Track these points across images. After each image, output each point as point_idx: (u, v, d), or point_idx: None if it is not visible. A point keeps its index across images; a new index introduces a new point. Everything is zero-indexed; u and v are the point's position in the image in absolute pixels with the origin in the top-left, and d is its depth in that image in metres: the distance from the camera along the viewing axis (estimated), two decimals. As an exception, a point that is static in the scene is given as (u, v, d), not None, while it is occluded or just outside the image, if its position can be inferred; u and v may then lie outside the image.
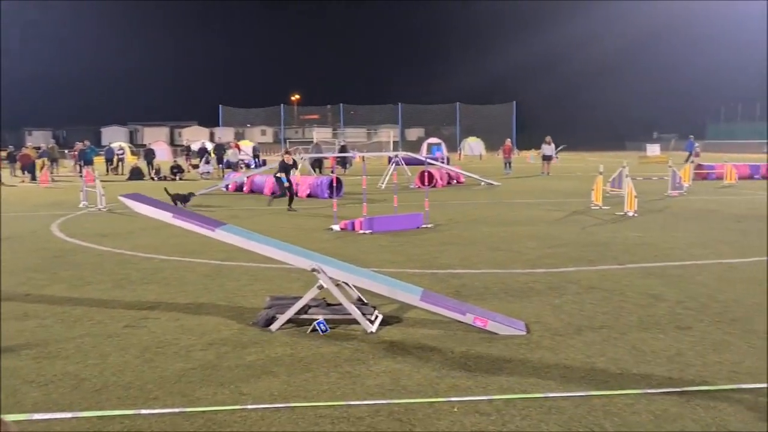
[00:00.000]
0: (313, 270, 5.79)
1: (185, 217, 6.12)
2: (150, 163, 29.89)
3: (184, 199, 16.11)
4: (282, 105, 66.12)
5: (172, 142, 69.81)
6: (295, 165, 16.42)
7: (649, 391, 4.32)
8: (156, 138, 64.86)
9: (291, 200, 15.41)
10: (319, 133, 50.14)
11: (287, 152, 17.58)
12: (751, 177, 24.34)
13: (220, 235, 6.02)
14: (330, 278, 5.73)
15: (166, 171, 28.55)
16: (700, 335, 5.49)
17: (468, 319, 5.62)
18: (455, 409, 4.08)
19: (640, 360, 4.92)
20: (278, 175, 15.58)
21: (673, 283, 7.40)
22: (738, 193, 18.69)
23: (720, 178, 22.75)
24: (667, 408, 4.06)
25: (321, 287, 5.70)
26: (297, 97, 78.87)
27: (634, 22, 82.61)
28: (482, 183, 22.89)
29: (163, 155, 45.62)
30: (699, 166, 25.23)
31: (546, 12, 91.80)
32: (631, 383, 4.45)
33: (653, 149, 45.65)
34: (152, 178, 28.10)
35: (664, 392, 4.30)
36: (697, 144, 35.62)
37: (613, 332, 5.62)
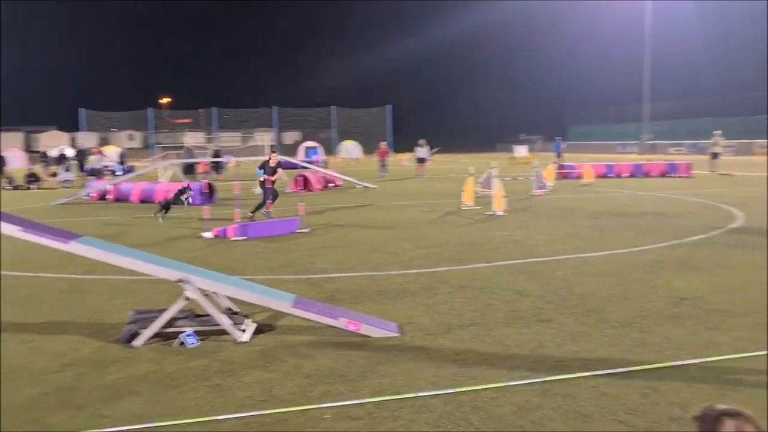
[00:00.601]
0: (179, 281, 5.56)
1: (35, 230, 5.67)
2: (0, 171, 27.64)
3: (166, 205, 14.57)
4: (150, 109, 63.45)
5: (27, 149, 64.86)
6: (280, 165, 15.23)
7: (512, 383, 4.50)
8: (10, 144, 60.08)
9: (272, 202, 14.45)
10: (192, 138, 48.51)
11: (273, 152, 15.87)
12: (605, 175, 26.20)
13: (75, 248, 5.63)
14: (198, 289, 5.52)
15: (20, 180, 26.50)
16: (560, 327, 5.81)
17: (341, 323, 5.61)
18: (327, 416, 4.05)
19: (505, 354, 5.13)
20: (262, 179, 14.51)
21: (536, 278, 7.79)
22: (595, 191, 20.03)
23: (580, 177, 24.29)
24: (529, 399, 4.25)
25: (188, 298, 5.49)
26: (167, 100, 75.98)
27: (504, 29, 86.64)
28: (359, 186, 23.09)
29: (18, 162, 42.34)
30: (561, 166, 26.82)
31: (419, 15, 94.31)
32: (496, 377, 4.62)
33: (521, 150, 47.93)
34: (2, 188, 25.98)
35: (526, 383, 4.50)
36: (563, 144, 37.80)
37: (481, 329, 5.82)
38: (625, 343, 5.33)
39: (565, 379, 4.55)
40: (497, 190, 14.37)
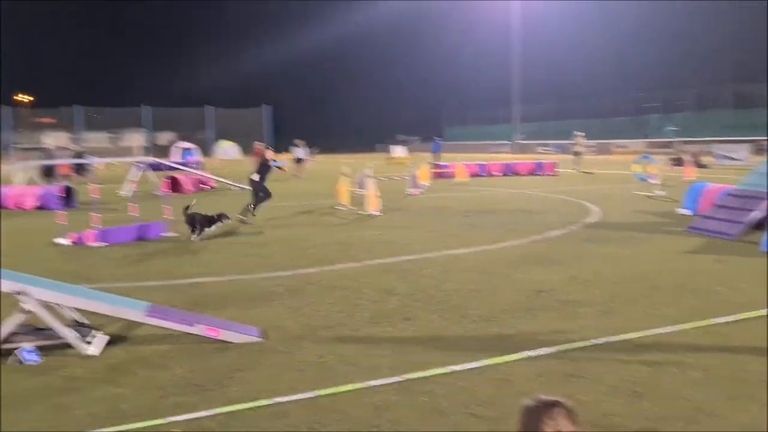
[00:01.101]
0: (18, 293, 5.11)
1: None
2: None
3: (209, 222, 11.28)
4: (4, 106, 58.83)
5: None
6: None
7: (372, 383, 4.49)
8: None
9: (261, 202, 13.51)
10: (53, 138, 45.40)
11: (266, 147, 14.86)
12: (478, 175, 27.17)
13: None
14: (38, 300, 5.10)
15: None
16: (424, 324, 5.89)
17: (199, 330, 5.39)
18: (176, 431, 3.84)
19: (368, 354, 5.12)
20: (254, 177, 13.59)
21: (405, 277, 7.88)
22: (468, 190, 20.69)
23: (454, 176, 25.01)
24: (387, 397, 4.25)
25: (26, 312, 5.05)
26: (28, 98, 70.67)
27: (383, 31, 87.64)
28: (234, 188, 22.51)
29: None
30: (436, 166, 27.50)
31: (299, 16, 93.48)
32: (357, 377, 4.59)
33: (400, 151, 48.71)
34: None
35: (386, 383, 4.50)
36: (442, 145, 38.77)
37: (346, 329, 5.79)
38: (483, 337, 5.48)
39: (423, 376, 4.60)
40: (371, 190, 14.47)
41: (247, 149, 54.40)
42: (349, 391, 4.37)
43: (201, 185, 22.46)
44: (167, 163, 24.41)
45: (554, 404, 2.12)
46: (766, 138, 36.12)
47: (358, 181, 16.72)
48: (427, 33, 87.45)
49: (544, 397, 2.19)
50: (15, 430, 3.91)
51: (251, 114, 65.33)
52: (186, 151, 42.63)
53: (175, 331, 5.49)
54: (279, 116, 67.95)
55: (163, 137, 60.19)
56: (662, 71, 60.13)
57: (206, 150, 53.00)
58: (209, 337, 5.40)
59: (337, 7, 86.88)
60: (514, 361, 4.88)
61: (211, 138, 62.32)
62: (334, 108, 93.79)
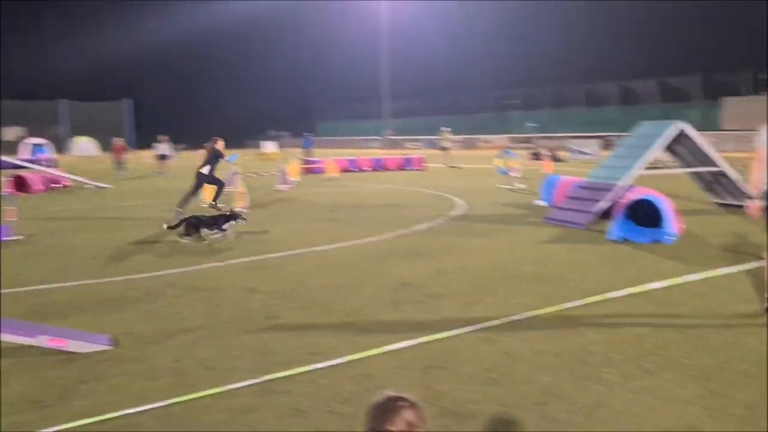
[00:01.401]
0: None
1: None
2: None
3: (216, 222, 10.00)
4: None
5: None
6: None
7: (230, 387, 4.32)
8: None
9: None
10: None
11: (216, 139, 13.99)
12: (348, 170, 27.29)
13: None
14: None
15: None
16: (287, 323, 5.78)
17: (41, 341, 4.95)
18: (8, 453, 3.49)
19: (228, 356, 4.94)
20: (203, 170, 13.20)
21: (270, 274, 7.72)
22: (338, 185, 20.71)
23: (324, 171, 24.94)
24: (246, 401, 4.11)
25: None
26: None
27: (251, 25, 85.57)
28: (90, 186, 21.17)
29: None
30: (307, 161, 27.34)
31: (161, 8, 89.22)
32: (215, 382, 4.40)
33: (270, 146, 48.00)
34: None
35: (245, 385, 4.34)
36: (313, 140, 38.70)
37: (205, 332, 5.55)
38: (347, 333, 5.45)
39: (284, 376, 4.49)
40: (238, 186, 14.09)
41: (105, 145, 51.49)
42: (205, 396, 4.18)
43: (52, 184, 20.90)
44: (12, 161, 22.54)
45: (399, 400, 2.10)
46: (613, 134, 39.08)
47: (225, 178, 16.22)
48: (297, 27, 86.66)
49: (391, 393, 2.17)
50: None
51: (110, 108, 61.79)
52: (36, 147, 39.51)
53: (13, 344, 5.02)
54: (141, 111, 64.73)
55: (11, 132, 55.62)
56: (522, 71, 63.35)
57: (60, 146, 49.48)
58: (54, 349, 4.98)
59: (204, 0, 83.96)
60: (376, 355, 4.88)
61: (66, 133, 58.28)
62: (200, 102, 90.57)
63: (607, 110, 49.27)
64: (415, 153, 36.18)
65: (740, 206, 12.36)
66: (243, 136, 74.22)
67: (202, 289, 7.05)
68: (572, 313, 5.91)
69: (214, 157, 13.59)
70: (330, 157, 26.03)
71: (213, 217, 10.19)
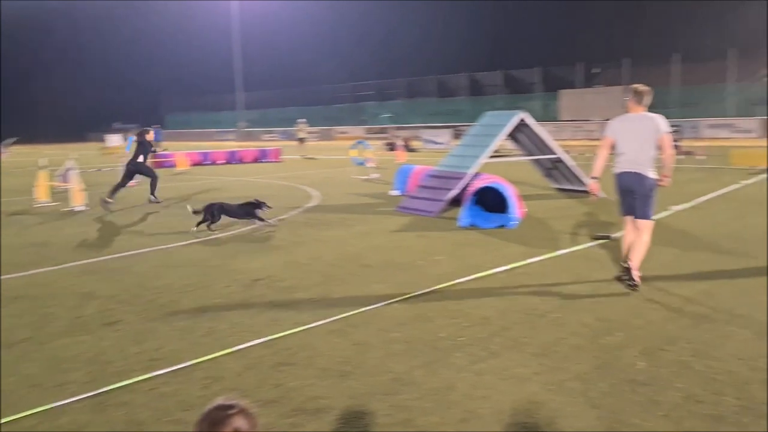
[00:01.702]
0: None
1: None
2: None
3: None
4: None
5: None
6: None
7: (60, 403, 3.94)
8: None
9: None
10: None
11: (147, 130, 14.29)
12: (202, 163, 26.32)
13: None
14: None
15: None
16: (127, 328, 5.39)
17: None
18: None
19: (58, 370, 4.51)
20: (139, 159, 13.50)
21: (110, 277, 7.19)
22: (189, 179, 19.86)
23: (175, 165, 23.83)
24: (77, 418, 3.76)
25: None
26: None
27: (93, 14, 79.60)
28: None
29: None
30: (155, 155, 25.95)
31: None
32: (43, 400, 3.99)
33: (115, 140, 45.16)
34: None
35: (77, 400, 3.98)
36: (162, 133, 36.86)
37: (33, 344, 5.05)
38: (193, 335, 5.18)
39: (121, 386, 4.17)
40: (75, 183, 13.07)
41: None
42: (30, 416, 3.78)
43: None
44: None
45: (229, 408, 1.98)
46: (462, 124, 40.70)
47: (61, 175, 15.00)
48: (144, 15, 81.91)
49: (222, 401, 2.04)
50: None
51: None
52: None
53: None
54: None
55: None
56: (375, 62, 64.36)
57: None
58: None
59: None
60: (224, 356, 4.67)
61: None
62: (35, 93, 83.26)
63: (457, 101, 51.26)
64: (271, 145, 35.60)
65: (577, 191, 13.32)
66: (86, 128, 69.54)
67: (30, 296, 6.42)
68: (423, 300, 6.01)
69: (144, 148, 13.85)
70: (180, 150, 24.87)
71: (240, 206, 10.22)
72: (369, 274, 7.03)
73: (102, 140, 45.94)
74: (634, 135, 6.16)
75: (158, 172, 20.08)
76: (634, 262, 6.15)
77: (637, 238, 6.20)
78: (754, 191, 13.34)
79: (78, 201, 12.92)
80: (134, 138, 14.17)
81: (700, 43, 41.37)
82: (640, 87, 6.25)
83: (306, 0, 69.83)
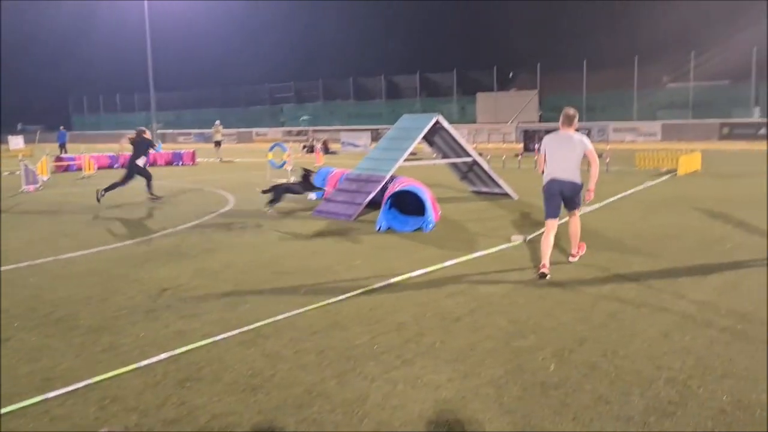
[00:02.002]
0: None
1: None
2: None
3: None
4: None
5: None
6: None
7: (-66, 434, 3.57)
8: None
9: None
10: None
11: (143, 130, 14.50)
12: (110, 166, 25.21)
13: None
14: None
15: None
16: (17, 346, 4.99)
17: None
18: None
19: (-65, 396, 4.11)
20: (139, 162, 13.82)
21: (3, 289, 6.68)
22: (95, 184, 18.90)
23: (80, 168, 22.73)
24: (-47, 450, 3.42)
25: None
26: None
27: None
28: None
29: None
30: (59, 159, 24.76)
31: None
32: None
33: (17, 142, 42.75)
34: None
35: (-45, 430, 3.63)
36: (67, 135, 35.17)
37: None
38: (92, 351, 4.85)
39: (9, 411, 3.83)
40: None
41: None
42: None
43: None
44: None
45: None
46: (381, 126, 40.86)
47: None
48: (49, 13, 77.85)
49: (105, 428, 1.86)
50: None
51: None
52: None
53: None
54: None
55: None
56: (293, 63, 63.71)
57: None
58: None
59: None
60: (125, 373, 4.39)
61: None
62: None
63: (376, 104, 51.42)
64: (185, 147, 34.56)
65: (492, 193, 13.54)
66: (-18, 129, 65.50)
67: None
68: (336, 307, 5.88)
69: (145, 147, 14.07)
70: (86, 153, 23.68)
71: (299, 184, 12.42)
72: (283, 282, 6.84)
73: (5, 142, 43.42)
74: (564, 150, 7.19)
75: (61, 177, 19.19)
76: (577, 241, 7.68)
77: (573, 223, 7.60)
78: (657, 192, 13.95)
79: (-29, 208, 12.07)
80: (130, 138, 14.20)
81: (608, 51, 43.15)
82: (570, 111, 7.30)
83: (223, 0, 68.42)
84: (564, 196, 7.26)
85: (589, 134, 28.18)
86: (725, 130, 35.32)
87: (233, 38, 70.36)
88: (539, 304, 5.85)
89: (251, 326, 5.33)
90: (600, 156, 20.75)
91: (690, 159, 18.62)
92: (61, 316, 5.74)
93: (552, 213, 7.25)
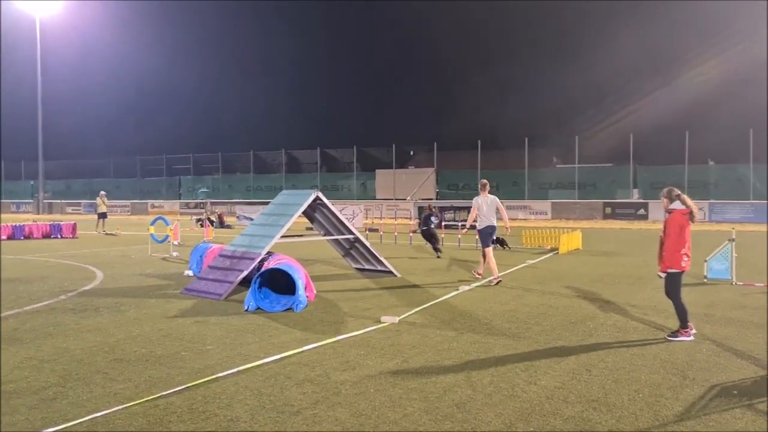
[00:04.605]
0: None
1: None
2: None
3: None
4: None
5: None
6: None
7: None
8: None
9: None
10: None
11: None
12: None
13: None
14: None
15: None
16: None
17: None
18: None
19: None
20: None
21: None
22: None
23: None
24: None
25: None
26: None
27: None
28: None
29: None
30: None
31: None
32: None
33: None
34: None
35: None
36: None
37: None
38: None
39: None
40: None
41: None
42: None
43: None
44: None
45: None
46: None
47: None
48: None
49: None
50: None
51: None
52: None
53: None
54: None
55: None
56: (193, 135, 63.00)
57: None
58: None
59: None
60: None
61: None
62: None
63: (274, 177, 51.19)
64: (68, 219, 32.74)
65: (374, 270, 13.35)
66: None
67: None
68: (170, 400, 5.32)
69: None
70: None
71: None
72: (118, 371, 6.19)
73: None
74: (487, 206, 12.28)
75: None
76: (494, 270, 12.21)
77: (488, 252, 12.34)
78: (537, 270, 14.21)
79: None
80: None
81: (500, 133, 45.28)
82: (484, 181, 12.62)
83: (111, 68, 67.23)
84: (489, 233, 12.33)
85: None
86: (608, 210, 37.34)
87: (132, 107, 68.99)
88: (389, 392, 5.53)
89: (61, 426, 4.69)
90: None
91: (571, 238, 19.30)
92: None
93: (487, 243, 12.35)
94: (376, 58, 65.11)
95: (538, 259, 16.41)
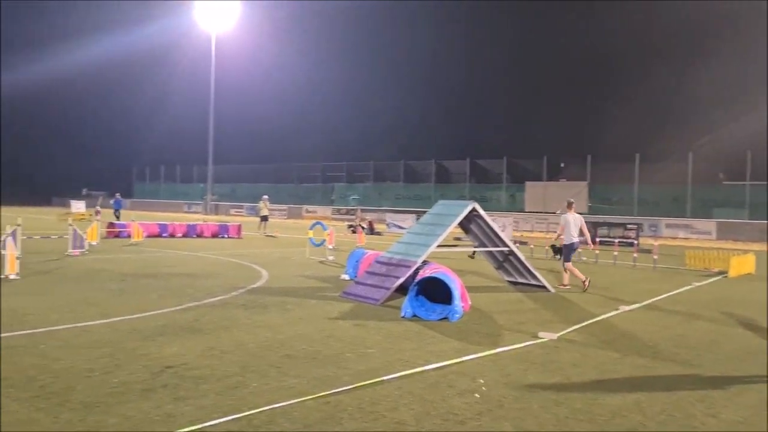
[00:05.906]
0: None
1: None
2: None
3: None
4: None
5: None
6: None
7: None
8: None
9: None
10: None
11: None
12: (160, 235, 25.80)
13: None
14: None
15: None
16: (3, 419, 4.86)
17: None
18: None
19: None
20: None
21: (7, 357, 6.63)
22: (139, 251, 19.30)
23: (130, 236, 23.27)
24: None
25: None
26: None
27: (70, 82, 79.35)
28: None
29: None
30: (111, 225, 25.46)
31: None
32: None
33: (79, 206, 44.51)
34: None
35: None
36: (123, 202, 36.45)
37: None
38: (76, 430, 4.68)
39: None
40: (10, 251, 12.51)
41: None
42: None
43: None
44: None
45: None
46: (427, 210, 40.88)
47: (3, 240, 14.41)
48: (117, 87, 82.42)
49: None
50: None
51: None
52: None
53: None
54: None
55: None
56: (346, 145, 65.27)
57: None
58: None
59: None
60: (97, 458, 4.19)
61: None
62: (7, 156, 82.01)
63: (424, 186, 51.80)
64: (232, 220, 35.24)
65: (528, 284, 13.13)
66: (53, 192, 68.86)
67: None
68: (340, 398, 5.58)
69: None
70: (137, 221, 24.32)
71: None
72: (289, 367, 6.59)
73: (67, 205, 45.22)
74: (573, 223, 13.47)
75: (110, 243, 19.67)
76: (579, 275, 13.23)
77: (571, 267, 13.50)
78: (704, 294, 13.28)
79: (11, 269, 12.34)
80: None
81: (659, 145, 42.70)
82: (570, 200, 13.89)
83: (285, 76, 71.34)
84: (573, 249, 13.70)
85: (639, 229, 27.52)
86: (784, 232, 33.95)
87: (290, 117, 72.89)
88: (554, 410, 5.43)
89: (242, 414, 5.08)
90: (648, 252, 20.72)
91: (743, 260, 17.82)
92: (58, 388, 5.61)
93: (568, 258, 13.62)
94: (527, 67, 63.91)
95: (705, 282, 15.31)
